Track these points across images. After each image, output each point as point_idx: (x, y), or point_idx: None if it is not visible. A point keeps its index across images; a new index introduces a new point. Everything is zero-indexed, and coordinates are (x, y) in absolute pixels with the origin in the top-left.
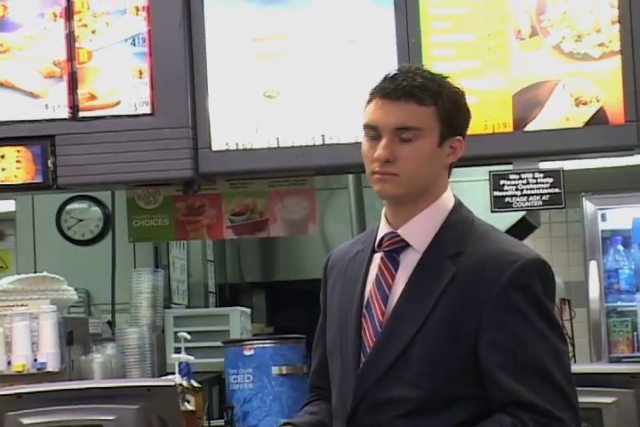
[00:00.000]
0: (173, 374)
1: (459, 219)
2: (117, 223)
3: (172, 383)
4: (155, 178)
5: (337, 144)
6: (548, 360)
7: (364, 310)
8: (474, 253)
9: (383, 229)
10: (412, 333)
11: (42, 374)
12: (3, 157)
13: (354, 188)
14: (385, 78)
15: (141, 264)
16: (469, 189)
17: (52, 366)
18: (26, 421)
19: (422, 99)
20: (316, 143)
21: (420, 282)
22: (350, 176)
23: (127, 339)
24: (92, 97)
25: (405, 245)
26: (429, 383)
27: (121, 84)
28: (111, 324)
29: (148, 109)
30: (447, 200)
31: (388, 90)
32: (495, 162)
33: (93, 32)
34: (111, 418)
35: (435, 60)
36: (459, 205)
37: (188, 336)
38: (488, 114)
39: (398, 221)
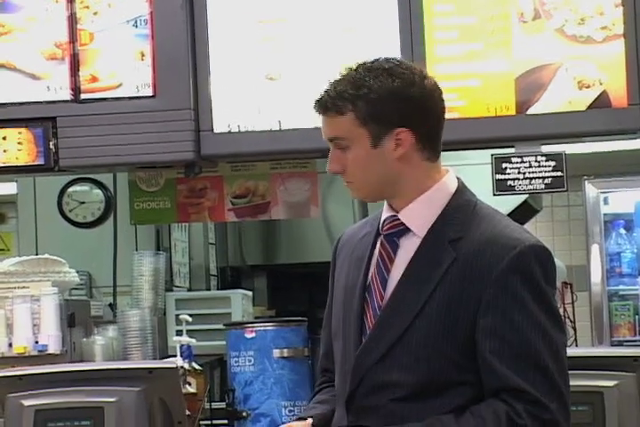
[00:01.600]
0: (175, 356)
1: (461, 203)
2: (119, 206)
3: (174, 366)
4: (156, 160)
5: None
6: (543, 349)
7: (366, 294)
8: (474, 237)
9: (386, 211)
10: (409, 318)
11: (43, 357)
12: (4, 138)
13: None
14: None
15: (143, 247)
16: (471, 172)
17: (54, 348)
18: (27, 402)
19: (340, 108)
20: (318, 126)
21: (420, 267)
22: None
23: (129, 321)
24: (94, 79)
25: (405, 229)
26: (426, 368)
27: (123, 66)
28: (112, 306)
29: (149, 91)
30: (449, 183)
31: (316, 103)
32: (497, 145)
33: (95, 14)
34: (112, 400)
35: (437, 43)
36: (462, 189)
37: (190, 319)
38: (490, 97)
39: (399, 204)
